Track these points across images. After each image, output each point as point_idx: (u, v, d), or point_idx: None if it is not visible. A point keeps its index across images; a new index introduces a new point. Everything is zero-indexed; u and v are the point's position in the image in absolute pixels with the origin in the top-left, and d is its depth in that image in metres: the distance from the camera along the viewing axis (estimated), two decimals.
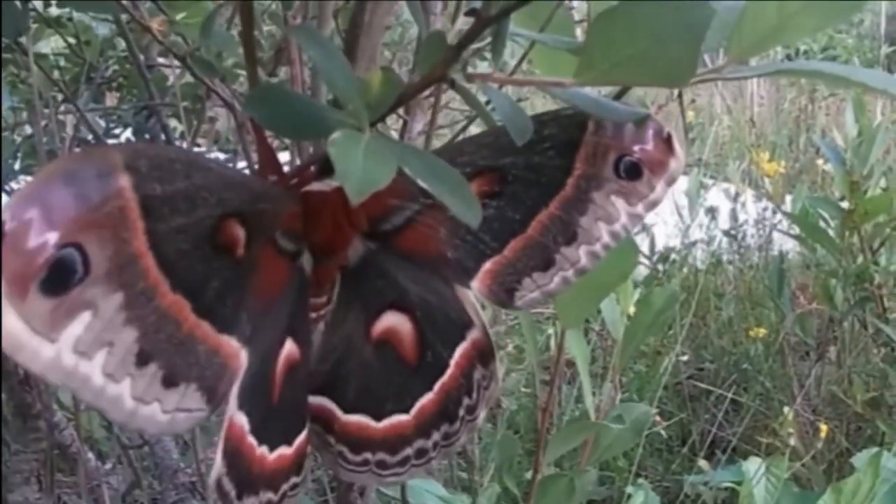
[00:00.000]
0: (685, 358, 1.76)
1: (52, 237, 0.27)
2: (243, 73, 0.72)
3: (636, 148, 0.39)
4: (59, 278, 0.27)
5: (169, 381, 0.32)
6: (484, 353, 0.43)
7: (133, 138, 1.21)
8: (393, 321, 0.42)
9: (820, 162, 2.07)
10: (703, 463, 1.40)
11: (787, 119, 3.50)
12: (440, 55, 0.35)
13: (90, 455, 0.80)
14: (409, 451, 0.42)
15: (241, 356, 0.35)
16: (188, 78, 1.20)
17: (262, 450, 0.37)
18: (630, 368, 1.76)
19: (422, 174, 0.31)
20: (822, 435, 1.18)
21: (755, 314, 2.05)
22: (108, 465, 0.88)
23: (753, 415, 1.63)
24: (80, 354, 0.28)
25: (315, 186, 0.37)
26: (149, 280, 0.30)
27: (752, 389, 1.77)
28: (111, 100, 1.32)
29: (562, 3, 0.50)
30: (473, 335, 0.42)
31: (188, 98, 1.13)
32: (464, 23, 0.41)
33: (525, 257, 0.41)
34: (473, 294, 0.41)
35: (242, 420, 0.36)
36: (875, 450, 1.11)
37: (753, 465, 1.16)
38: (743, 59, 0.32)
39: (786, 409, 1.35)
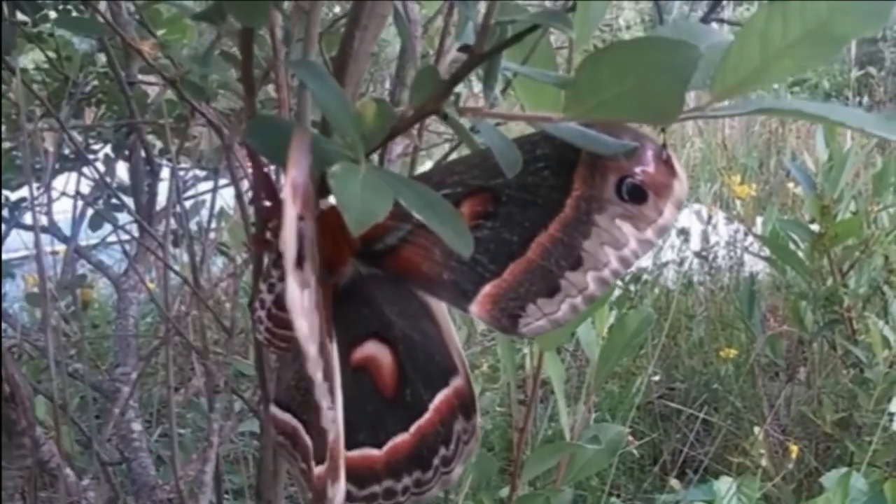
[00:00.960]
0: (657, 378, 1.77)
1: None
2: (223, 91, 0.73)
3: (637, 169, 0.39)
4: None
5: None
6: (466, 405, 0.42)
7: (112, 154, 1.21)
8: (374, 350, 0.41)
9: (791, 185, 2.10)
10: (674, 482, 1.41)
11: (757, 142, 3.55)
12: (432, 89, 0.36)
13: (68, 471, 0.79)
14: (377, 488, 0.42)
15: None
16: (169, 95, 1.21)
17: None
18: (602, 388, 1.78)
19: (414, 205, 0.32)
20: (793, 455, 1.20)
21: (726, 335, 2.07)
22: (86, 482, 0.88)
23: (724, 435, 1.64)
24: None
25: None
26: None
27: (723, 409, 1.79)
28: (90, 115, 1.32)
29: (545, 34, 0.52)
30: (457, 383, 0.42)
31: (173, 115, 1.13)
32: (454, 58, 0.42)
33: (527, 282, 0.40)
34: (474, 318, 0.41)
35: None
36: (844, 470, 1.12)
37: (725, 485, 1.17)
38: (725, 98, 0.34)
39: (756, 429, 1.37)
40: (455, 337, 0.42)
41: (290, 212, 0.27)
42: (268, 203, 0.39)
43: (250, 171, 0.40)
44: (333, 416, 0.35)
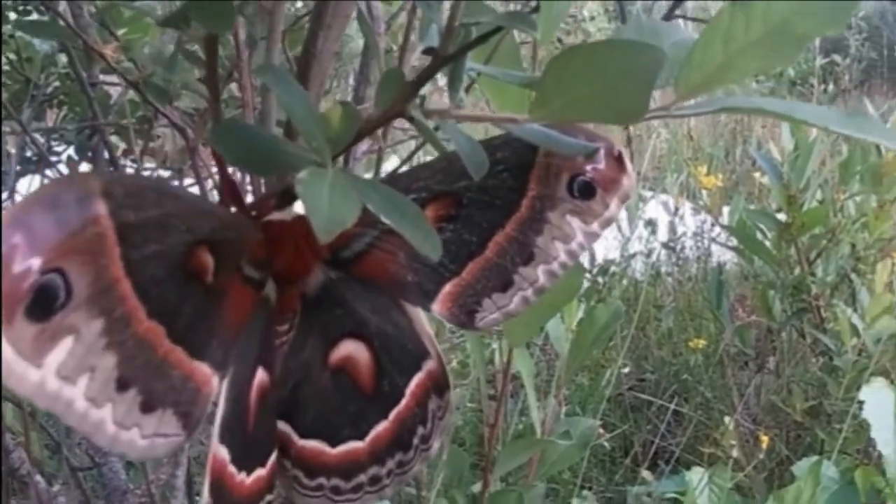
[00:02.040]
0: (627, 370, 1.78)
1: (37, 262, 0.27)
2: (186, 91, 0.72)
3: (588, 167, 0.40)
4: (43, 303, 0.28)
5: (147, 407, 0.33)
6: (439, 384, 0.43)
7: (76, 156, 1.20)
8: (350, 349, 0.42)
9: (757, 175, 2.11)
10: (646, 473, 1.42)
11: (723, 131, 3.57)
12: (398, 91, 0.36)
13: (38, 477, 0.79)
14: (363, 477, 0.43)
15: (212, 382, 0.36)
16: (132, 95, 1.19)
17: (241, 476, 0.38)
18: (572, 381, 1.78)
19: (382, 209, 0.31)
20: (764, 445, 1.21)
21: (694, 325, 2.08)
22: (56, 487, 0.87)
23: (695, 425, 1.65)
24: (63, 379, 0.29)
25: (276, 216, 0.38)
26: (126, 306, 0.31)
27: (693, 400, 1.80)
28: (52, 117, 1.31)
29: (507, 34, 0.52)
30: (429, 366, 0.43)
31: (135, 116, 1.12)
32: (419, 58, 0.42)
33: (484, 279, 0.42)
34: (434, 316, 0.42)
35: (224, 453, 0.37)
36: (815, 458, 1.14)
37: (697, 475, 1.18)
38: (690, 96, 0.34)
39: (727, 419, 1.37)
40: (425, 323, 0.43)
41: None
42: (232, 207, 0.38)
43: (216, 173, 0.40)
44: None
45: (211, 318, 0.35)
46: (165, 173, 1.33)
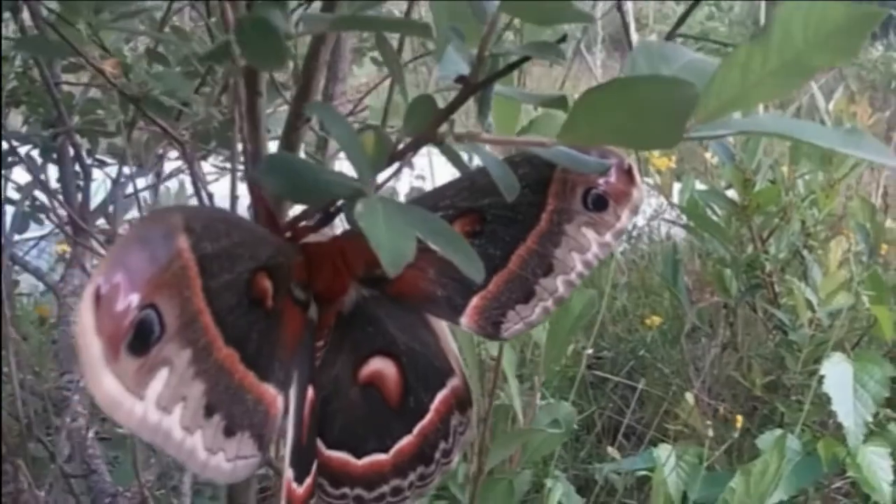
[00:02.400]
0: (590, 351, 1.82)
1: (135, 299, 0.29)
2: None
3: (601, 181, 0.43)
4: (142, 338, 0.29)
5: (229, 431, 0.34)
6: (462, 401, 0.45)
7: (40, 159, 1.19)
8: (379, 366, 0.44)
9: (707, 155, 2.15)
10: (612, 451, 1.45)
11: None
12: (429, 117, 0.37)
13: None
14: (385, 488, 0.45)
15: (278, 402, 0.38)
16: (94, 94, 1.19)
17: (298, 488, 0.40)
18: (531, 360, 1.81)
19: (430, 236, 0.33)
20: (733, 423, 1.24)
21: (649, 302, 2.13)
22: (42, 493, 0.87)
23: (654, 401, 1.69)
24: (162, 410, 0.31)
25: (313, 238, 0.40)
26: (208, 335, 0.33)
27: (650, 376, 1.84)
28: (15, 117, 1.30)
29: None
30: (453, 383, 0.45)
31: (88, 116, 1.12)
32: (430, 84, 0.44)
33: (508, 291, 0.44)
34: (464, 329, 0.44)
35: (291, 473, 0.39)
36: (779, 432, 1.18)
37: (665, 452, 1.22)
38: (708, 120, 0.36)
39: (687, 394, 1.41)
40: (451, 342, 0.45)
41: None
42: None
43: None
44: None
45: (272, 341, 0.37)
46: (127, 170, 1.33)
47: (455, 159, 0.39)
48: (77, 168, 1.20)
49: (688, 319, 1.65)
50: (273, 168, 0.35)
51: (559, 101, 0.44)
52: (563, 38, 0.35)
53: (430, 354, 0.45)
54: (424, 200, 0.43)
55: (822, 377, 1.13)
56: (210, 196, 0.66)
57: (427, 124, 0.37)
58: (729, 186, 1.60)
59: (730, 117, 0.36)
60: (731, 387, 1.61)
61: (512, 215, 0.43)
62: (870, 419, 1.10)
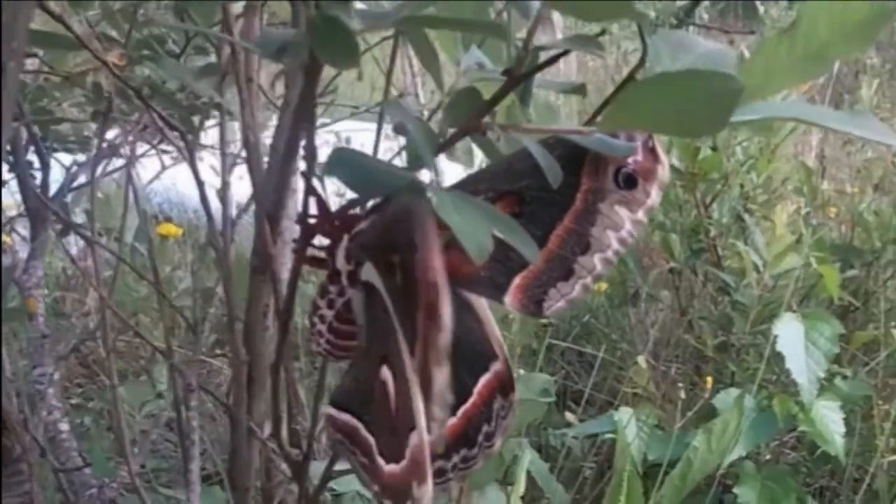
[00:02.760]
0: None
1: None
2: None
3: (630, 160, 0.44)
4: None
5: None
6: (504, 385, 0.46)
7: None
8: None
9: None
10: (569, 416, 1.50)
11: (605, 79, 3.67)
12: (474, 108, 0.40)
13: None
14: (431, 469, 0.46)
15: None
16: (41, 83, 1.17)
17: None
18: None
19: (490, 222, 0.36)
20: (708, 386, 1.29)
21: None
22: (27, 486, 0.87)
23: (604, 367, 1.74)
24: None
25: (363, 225, 0.42)
26: None
27: (595, 342, 1.89)
28: None
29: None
30: (496, 367, 0.46)
31: (35, 104, 1.11)
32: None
33: (548, 269, 0.45)
34: (508, 307, 0.46)
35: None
36: (734, 391, 1.23)
37: (626, 415, 1.26)
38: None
39: (639, 358, 1.46)
40: (495, 327, 0.46)
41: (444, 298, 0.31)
42: (318, 222, 0.42)
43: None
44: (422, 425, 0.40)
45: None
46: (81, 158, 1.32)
47: (489, 148, 0.42)
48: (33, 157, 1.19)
49: (633, 284, 1.69)
50: (339, 161, 0.36)
51: (579, 89, 0.47)
52: (603, 32, 0.38)
53: (474, 339, 0.46)
54: (465, 185, 0.45)
55: (774, 336, 1.18)
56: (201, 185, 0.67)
57: (471, 115, 0.39)
58: (668, 150, 1.65)
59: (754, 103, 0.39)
60: (678, 349, 1.66)
61: (549, 196, 0.44)
62: (822, 375, 1.16)
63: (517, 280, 0.46)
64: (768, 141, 1.55)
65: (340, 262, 0.43)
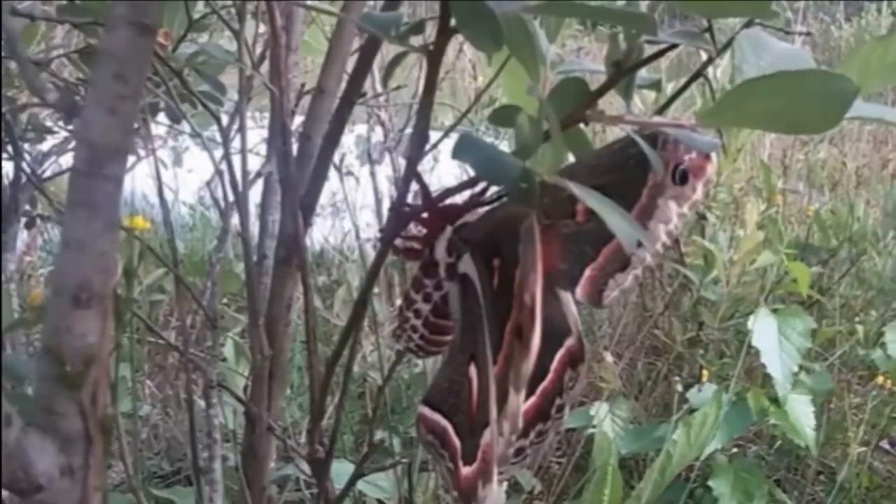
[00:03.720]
0: None
1: None
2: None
3: (685, 157, 0.46)
4: None
5: None
6: (575, 359, 0.47)
7: None
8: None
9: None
10: None
11: None
12: (578, 99, 0.40)
13: None
14: (510, 451, 0.46)
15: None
16: None
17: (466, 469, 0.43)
18: None
19: (599, 208, 0.36)
20: (704, 379, 1.31)
21: None
22: None
23: None
24: None
25: (468, 218, 0.42)
26: None
27: None
28: None
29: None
30: (570, 342, 0.47)
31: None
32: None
33: (612, 261, 0.47)
34: (577, 299, 0.47)
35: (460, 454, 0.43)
36: (708, 385, 1.26)
37: (602, 409, 1.28)
38: None
39: (606, 354, 1.48)
40: (571, 304, 0.47)
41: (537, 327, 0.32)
42: (424, 215, 0.42)
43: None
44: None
45: None
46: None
47: (584, 141, 0.42)
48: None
49: None
50: (466, 147, 0.37)
51: (655, 85, 0.48)
52: (708, 29, 0.39)
53: (554, 319, 0.47)
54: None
55: (749, 331, 1.21)
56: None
57: (577, 106, 0.40)
58: None
59: None
60: (643, 345, 1.69)
61: (624, 191, 0.45)
62: (795, 369, 1.19)
63: (588, 272, 0.47)
64: (730, 141, 1.58)
65: (441, 254, 0.43)
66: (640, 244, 0.47)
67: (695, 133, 0.44)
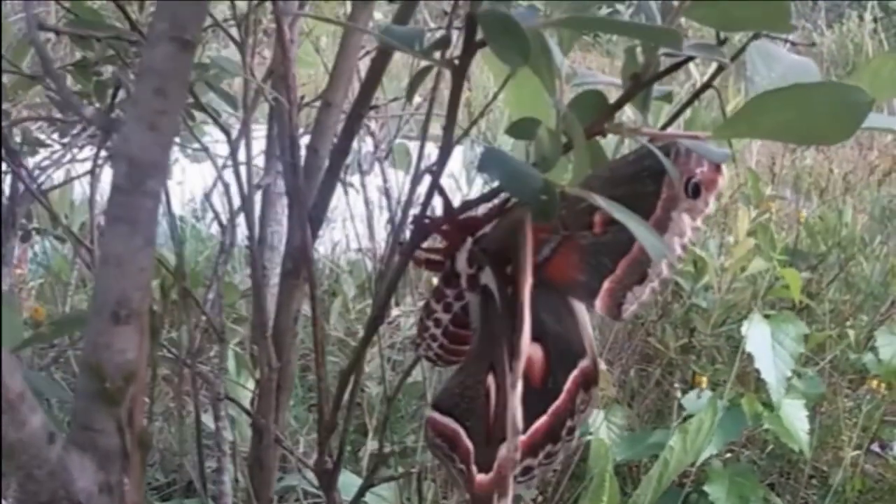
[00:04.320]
0: None
1: None
2: None
3: (698, 171, 0.46)
4: None
5: None
6: (588, 381, 0.47)
7: None
8: (530, 351, 0.45)
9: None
10: None
11: None
12: (596, 111, 0.41)
13: None
14: (518, 468, 0.45)
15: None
16: None
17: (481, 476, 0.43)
18: None
19: (625, 220, 0.37)
20: (703, 385, 1.32)
21: None
22: None
23: None
24: None
25: (487, 230, 0.42)
26: None
27: None
28: None
29: None
30: (584, 364, 0.47)
31: None
32: None
33: (630, 274, 0.47)
34: (597, 311, 0.47)
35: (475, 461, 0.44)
36: (704, 392, 1.27)
37: (598, 417, 1.29)
38: None
39: (600, 362, 1.49)
40: (588, 326, 0.48)
41: (527, 325, 0.33)
42: (445, 227, 0.42)
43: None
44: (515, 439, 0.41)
45: None
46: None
47: (600, 153, 0.43)
48: None
49: None
50: (490, 160, 0.37)
51: (667, 97, 0.49)
52: (724, 41, 0.40)
53: (569, 338, 0.47)
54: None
55: (741, 338, 1.22)
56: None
57: (597, 118, 0.41)
58: None
59: None
60: (634, 352, 1.69)
61: (638, 204, 0.45)
62: (789, 374, 1.20)
63: (606, 284, 0.47)
64: None
65: (462, 265, 0.43)
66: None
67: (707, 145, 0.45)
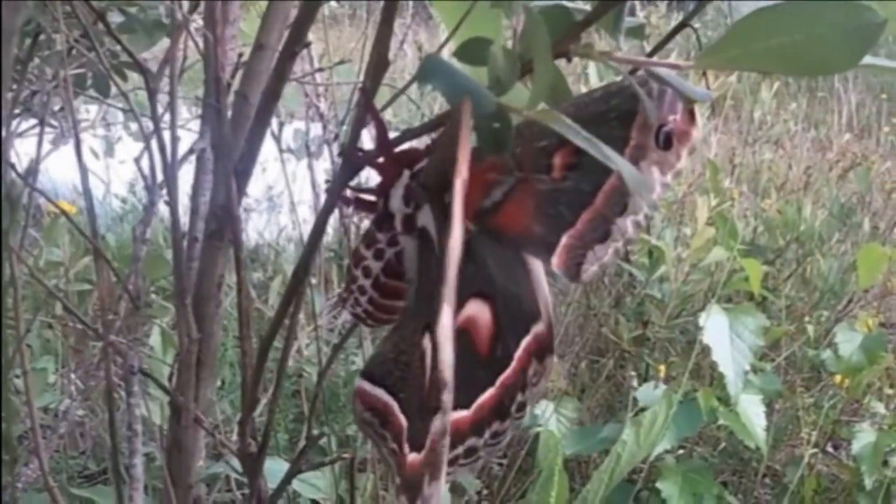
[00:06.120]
0: None
1: None
2: None
3: (671, 118, 0.41)
4: None
5: None
6: (542, 349, 0.41)
7: None
8: (476, 310, 0.39)
9: None
10: None
11: None
12: (560, 31, 0.35)
13: None
14: (460, 449, 0.40)
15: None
16: None
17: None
18: None
19: (594, 150, 0.31)
20: (661, 374, 1.27)
21: None
22: None
23: None
24: None
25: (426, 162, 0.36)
26: None
27: None
28: None
29: None
30: (537, 329, 0.41)
31: None
32: None
33: (591, 229, 0.41)
34: (554, 270, 0.41)
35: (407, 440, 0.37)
36: (655, 384, 1.22)
37: (548, 409, 1.24)
38: None
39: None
40: (544, 284, 0.41)
41: (458, 231, 0.26)
42: (380, 160, 0.36)
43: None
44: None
45: None
46: None
47: (561, 82, 0.37)
48: None
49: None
50: (433, 70, 0.31)
51: (639, 31, 0.43)
52: None
53: (522, 297, 0.41)
54: (530, 127, 0.40)
55: (696, 330, 1.18)
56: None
57: (560, 39, 0.35)
58: None
59: None
60: (586, 344, 1.65)
61: None
62: (748, 368, 1.15)
63: (564, 239, 0.42)
64: None
65: (397, 204, 0.37)
66: (622, 213, 0.42)
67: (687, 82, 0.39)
